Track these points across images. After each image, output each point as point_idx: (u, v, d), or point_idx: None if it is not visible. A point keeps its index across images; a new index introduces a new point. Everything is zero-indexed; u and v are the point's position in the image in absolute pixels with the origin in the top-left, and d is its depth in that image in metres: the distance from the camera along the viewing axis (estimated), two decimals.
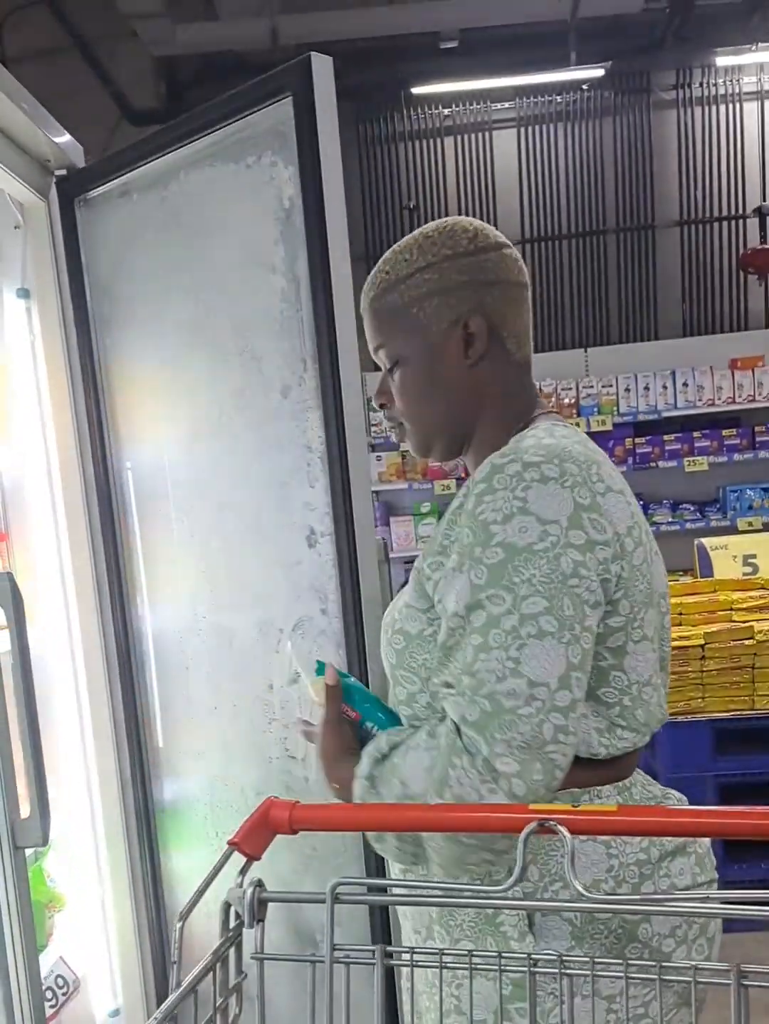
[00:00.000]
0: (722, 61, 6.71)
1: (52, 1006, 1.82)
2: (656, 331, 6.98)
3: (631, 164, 6.99)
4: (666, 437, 5.51)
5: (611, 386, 5.55)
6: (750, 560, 3.79)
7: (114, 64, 6.39)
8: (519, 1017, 1.05)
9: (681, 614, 3.42)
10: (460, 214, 7.07)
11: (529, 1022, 0.86)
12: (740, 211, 6.95)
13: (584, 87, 6.91)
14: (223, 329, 1.87)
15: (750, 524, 5.38)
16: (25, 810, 1.35)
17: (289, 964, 0.92)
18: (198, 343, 1.93)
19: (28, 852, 1.43)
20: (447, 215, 7.15)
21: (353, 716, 1.21)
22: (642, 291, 7.04)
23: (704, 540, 3.95)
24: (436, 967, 0.86)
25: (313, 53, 1.59)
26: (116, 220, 2.01)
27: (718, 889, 1.17)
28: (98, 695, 2.09)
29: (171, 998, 0.78)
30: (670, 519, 5.53)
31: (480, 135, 7.08)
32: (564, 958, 0.82)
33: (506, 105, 7.03)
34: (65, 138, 1.98)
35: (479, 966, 0.85)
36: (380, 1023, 0.87)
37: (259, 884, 0.87)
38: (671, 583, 2.43)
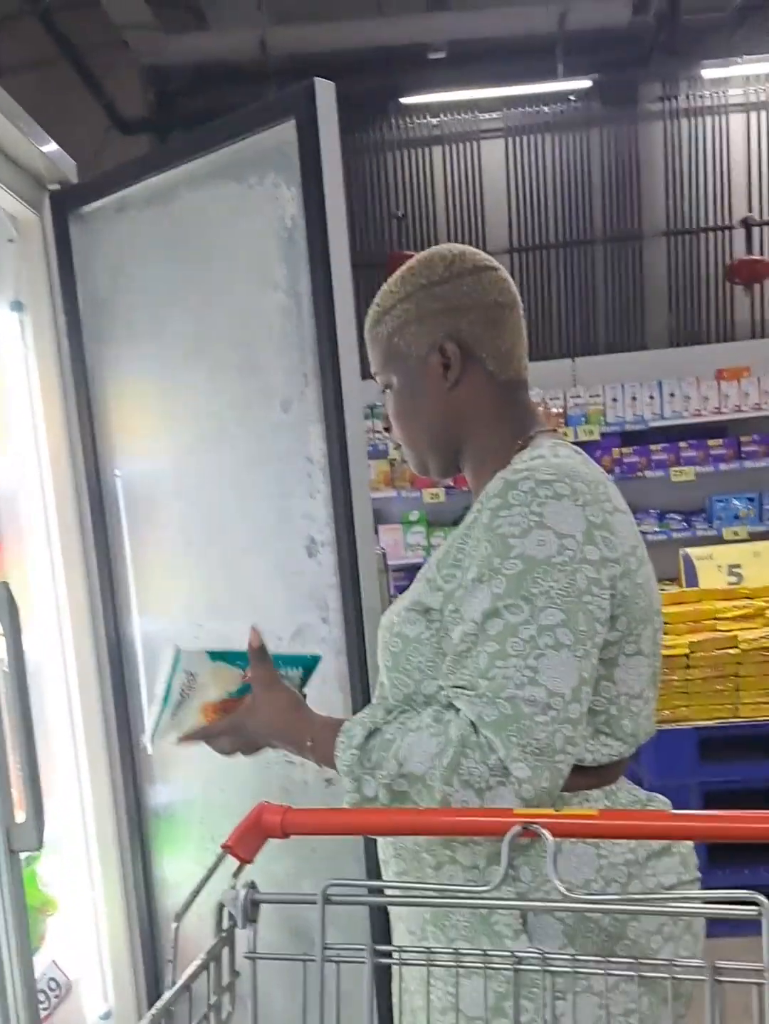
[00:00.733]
0: (708, 73, 6.78)
1: (45, 1009, 1.84)
2: (643, 341, 7.03)
3: (618, 175, 7.05)
4: (653, 447, 5.55)
5: (598, 396, 5.59)
6: (735, 570, 3.83)
7: (104, 74, 6.41)
8: (505, 1016, 1.08)
9: (666, 623, 3.44)
10: (448, 223, 7.11)
11: (513, 1019, 0.88)
12: (726, 222, 7.02)
13: (571, 98, 6.97)
14: (223, 344, 1.90)
15: (736, 534, 5.42)
16: (20, 815, 1.37)
17: (284, 964, 0.94)
18: (197, 357, 1.95)
19: (21, 856, 1.45)
20: (435, 224, 7.22)
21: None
22: (629, 301, 7.09)
23: (689, 550, 3.98)
24: (424, 965, 0.89)
25: (317, 79, 1.64)
26: (113, 235, 2.04)
27: (700, 889, 1.20)
28: (90, 702, 2.11)
29: (167, 995, 0.81)
30: (656, 529, 5.57)
31: (468, 145, 7.13)
32: (548, 956, 0.85)
33: (494, 115, 7.08)
34: (58, 151, 2.00)
35: (466, 964, 0.88)
36: (371, 1021, 0.90)
37: (251, 886, 0.90)
38: None
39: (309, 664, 1.33)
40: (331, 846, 1.87)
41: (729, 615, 3.49)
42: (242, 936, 0.91)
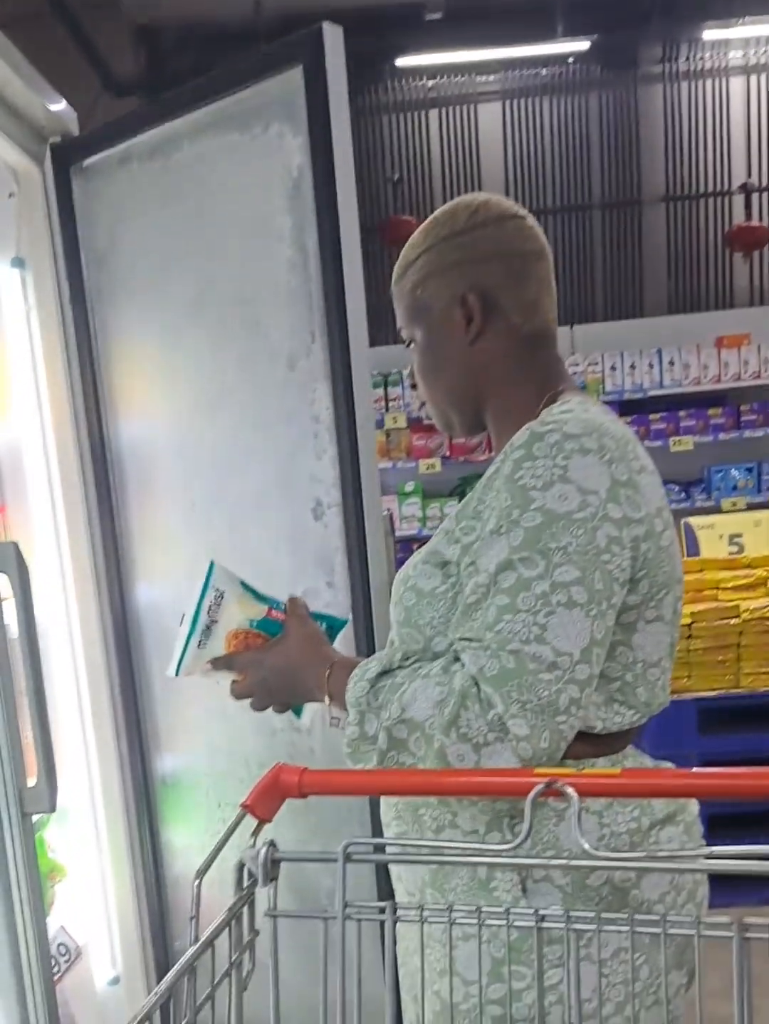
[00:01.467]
0: (709, 35, 6.69)
1: (55, 973, 1.85)
2: (641, 308, 6.98)
3: (617, 139, 6.97)
4: (652, 416, 5.52)
5: (597, 364, 5.55)
6: (736, 539, 3.83)
7: (96, 34, 6.30)
8: (515, 979, 1.08)
9: None
10: (444, 187, 7.04)
11: (534, 980, 0.88)
12: (726, 187, 6.96)
13: (570, 60, 6.88)
14: (227, 300, 1.86)
15: (734, 504, 5.41)
16: (32, 779, 1.37)
17: (294, 931, 0.94)
18: (200, 314, 1.91)
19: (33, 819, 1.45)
20: (431, 188, 7.13)
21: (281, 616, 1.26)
22: (628, 268, 7.04)
23: (690, 519, 3.98)
24: (445, 923, 0.89)
25: (325, 23, 1.60)
26: (114, 189, 1.99)
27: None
28: (96, 666, 2.10)
29: (190, 951, 0.81)
30: None
31: (465, 108, 7.05)
32: (571, 914, 0.85)
33: (491, 78, 6.99)
34: (61, 105, 1.96)
35: (488, 922, 0.88)
36: (389, 978, 0.90)
37: (272, 844, 0.90)
38: None
39: (337, 624, 1.33)
40: (335, 814, 1.87)
41: (730, 585, 3.49)
42: (261, 895, 0.91)
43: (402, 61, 6.65)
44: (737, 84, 6.91)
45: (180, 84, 1.83)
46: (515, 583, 1.01)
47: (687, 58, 6.89)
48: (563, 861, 1.06)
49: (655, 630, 1.14)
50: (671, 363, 5.54)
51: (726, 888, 1.20)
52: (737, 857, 0.76)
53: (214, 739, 2.04)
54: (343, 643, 1.79)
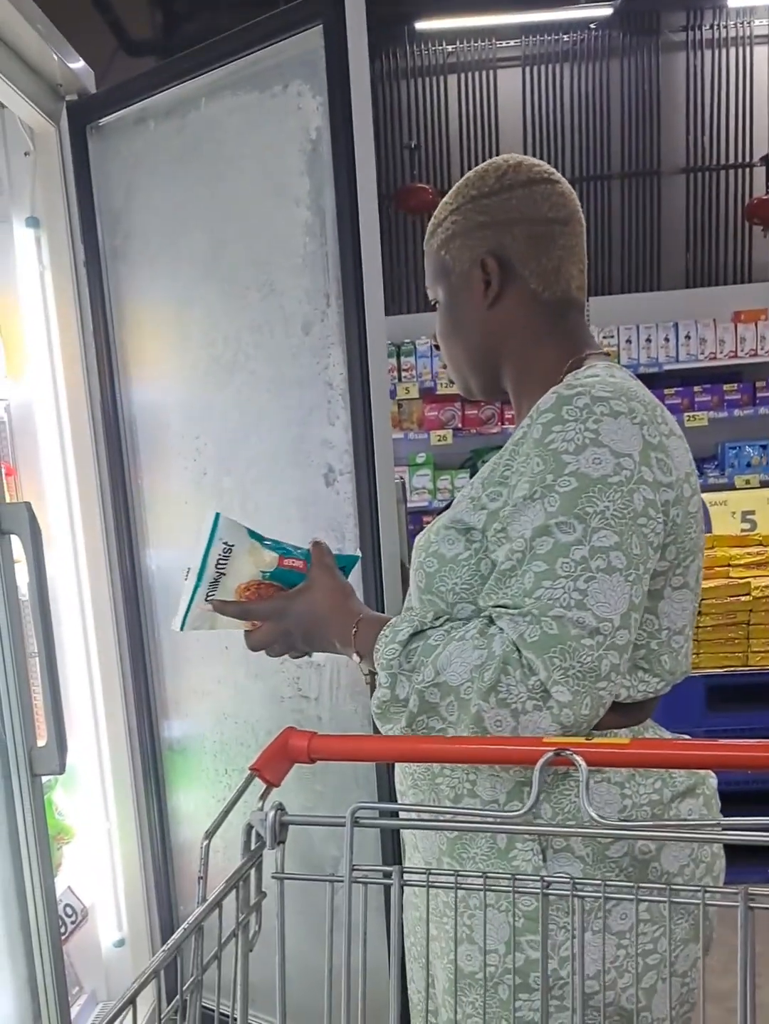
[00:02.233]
0: (734, 2, 6.56)
1: (61, 934, 1.87)
2: (659, 281, 6.91)
3: (638, 108, 6.87)
4: (667, 391, 5.46)
5: (612, 337, 5.51)
6: (749, 516, 3.80)
7: None
8: (530, 949, 1.08)
9: None
10: (461, 154, 6.97)
11: (541, 949, 0.89)
12: (748, 159, 6.86)
13: (592, 26, 6.77)
14: (241, 263, 1.85)
15: (747, 481, 5.36)
16: (42, 739, 1.38)
17: (298, 897, 0.94)
18: (213, 276, 1.90)
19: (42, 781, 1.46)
20: (448, 155, 7.06)
21: (301, 565, 1.22)
22: (646, 240, 6.96)
23: (703, 496, 3.94)
24: (451, 888, 0.89)
25: None
26: (130, 148, 1.97)
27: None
28: (105, 630, 2.10)
29: (197, 911, 0.81)
30: None
31: (484, 73, 6.95)
32: (577, 882, 0.85)
33: (511, 43, 6.89)
34: (79, 64, 1.94)
35: (495, 888, 0.88)
36: (395, 942, 0.90)
37: (280, 807, 0.90)
38: None
39: (351, 562, 1.30)
40: (338, 783, 1.88)
41: (742, 562, 3.47)
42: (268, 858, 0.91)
43: (421, 25, 6.55)
44: (761, 53, 6.79)
45: (196, 44, 1.80)
46: (552, 548, 0.99)
47: (711, 26, 6.77)
48: (570, 829, 1.06)
49: (681, 597, 1.13)
50: (687, 337, 5.49)
51: (739, 864, 1.20)
52: (750, 828, 0.76)
53: (222, 705, 2.04)
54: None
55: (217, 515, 1.16)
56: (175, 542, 2.10)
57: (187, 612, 1.18)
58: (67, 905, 1.99)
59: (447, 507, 1.27)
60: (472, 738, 1.01)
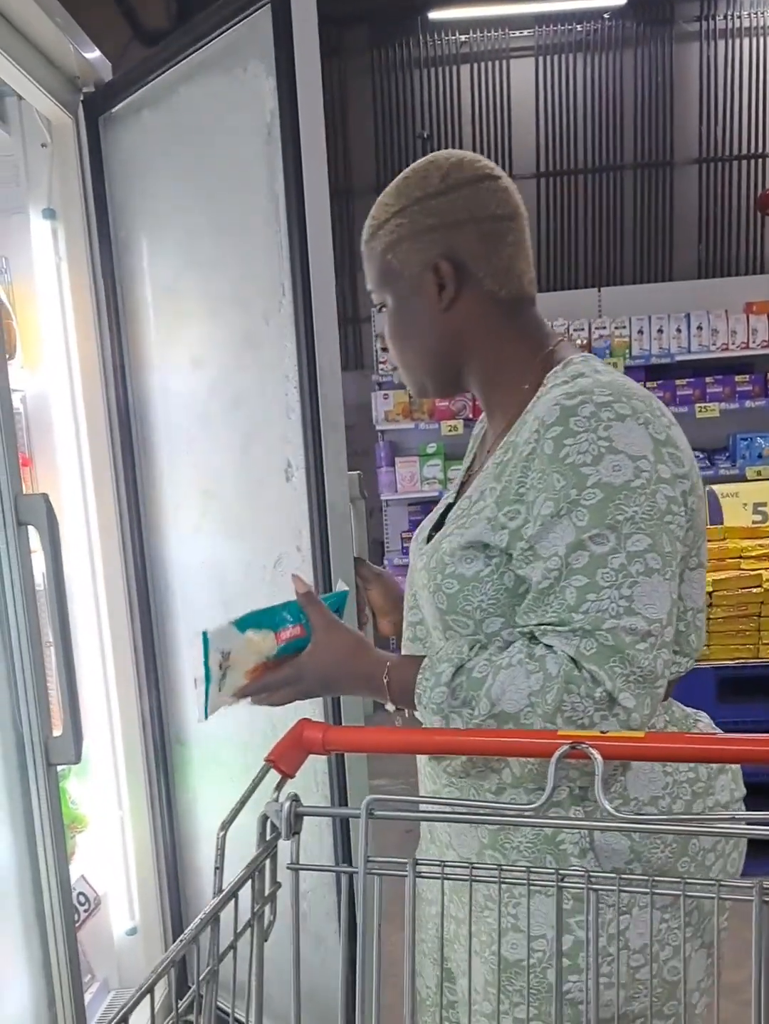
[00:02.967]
0: None
1: (74, 922, 1.89)
2: (671, 272, 6.89)
3: (651, 98, 6.84)
4: (678, 382, 5.45)
5: (624, 327, 5.48)
6: (760, 508, 3.78)
7: None
8: (578, 929, 1.07)
9: None
10: (474, 144, 6.95)
11: (556, 941, 0.89)
12: (761, 150, 6.82)
13: (605, 16, 6.74)
14: (217, 253, 1.84)
15: (759, 473, 5.33)
16: (58, 729, 1.39)
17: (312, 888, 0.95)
18: (192, 267, 1.90)
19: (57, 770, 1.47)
20: (461, 146, 7.03)
21: (299, 630, 1.18)
22: (658, 230, 6.94)
23: (715, 487, 3.93)
24: (466, 879, 0.90)
25: None
26: (130, 138, 1.98)
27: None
28: (119, 620, 2.11)
29: (214, 901, 0.82)
30: None
31: (497, 63, 6.92)
32: (592, 874, 0.85)
33: (525, 33, 6.86)
34: (95, 54, 1.93)
35: (507, 880, 0.88)
36: (410, 933, 0.91)
37: (295, 798, 0.91)
38: None
39: (341, 601, 1.29)
40: (301, 785, 1.88)
41: (753, 553, 3.45)
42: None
43: (434, 15, 6.52)
44: None
45: None
46: (590, 561, 1.00)
47: (725, 16, 6.73)
48: (582, 822, 1.07)
49: (697, 576, 1.16)
50: (699, 328, 5.46)
51: (758, 855, 1.21)
52: (760, 823, 0.77)
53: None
54: None
55: (205, 636, 1.12)
56: (183, 532, 2.10)
57: (206, 707, 1.15)
58: (80, 893, 2.01)
59: (440, 515, 1.27)
60: (488, 731, 1.02)
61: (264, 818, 0.91)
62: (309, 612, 1.19)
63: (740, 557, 3.45)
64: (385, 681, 1.14)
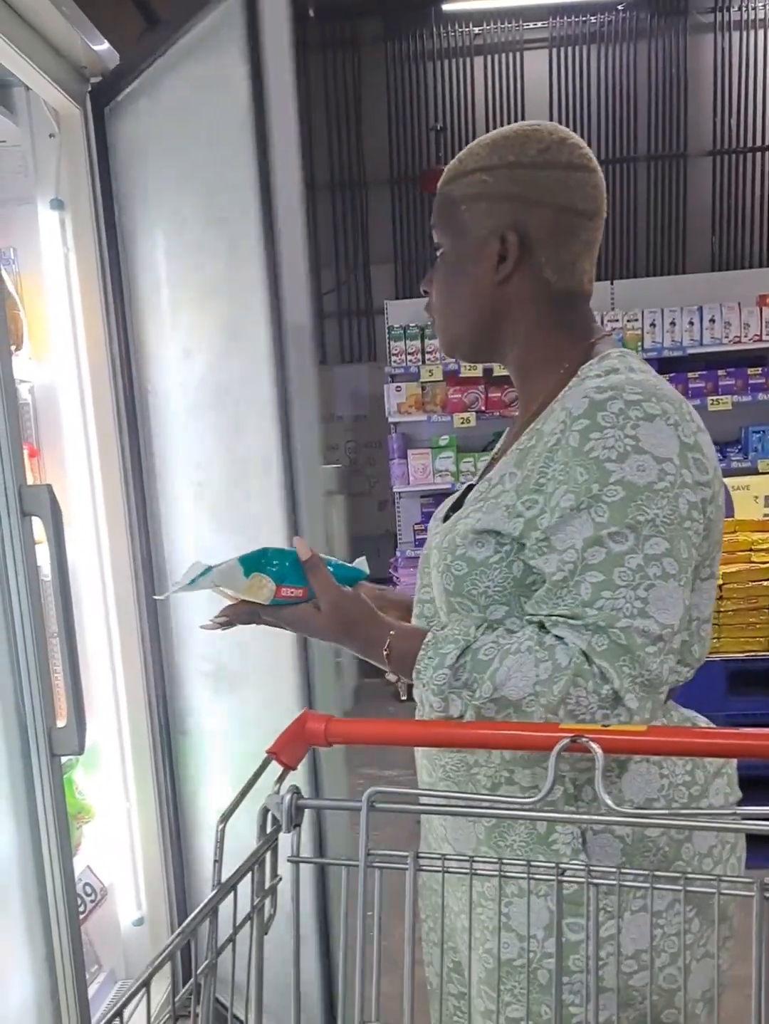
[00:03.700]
0: None
1: (81, 912, 1.89)
2: (684, 264, 6.86)
3: (665, 90, 6.81)
4: (690, 374, 5.42)
5: (637, 320, 5.46)
6: None
7: None
8: (571, 932, 1.07)
9: None
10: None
11: (556, 936, 0.89)
12: None
13: (619, 8, 6.71)
14: (201, 250, 1.83)
15: None
16: (62, 720, 1.39)
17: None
18: (177, 257, 1.90)
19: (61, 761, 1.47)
20: (474, 138, 6.95)
21: (301, 593, 1.14)
22: (671, 223, 6.91)
23: (726, 480, 3.91)
24: (467, 873, 0.89)
25: None
26: (131, 127, 1.98)
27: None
28: (126, 610, 2.11)
29: (212, 894, 0.82)
30: None
31: (511, 55, 6.90)
32: (593, 869, 0.85)
33: (538, 25, 6.83)
34: (103, 46, 1.93)
35: (509, 875, 0.88)
36: (410, 927, 0.90)
37: (296, 791, 0.90)
38: None
39: (354, 578, 1.24)
40: None
41: (764, 546, 3.44)
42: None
43: (448, 6, 6.50)
44: None
45: None
46: (606, 559, 0.99)
47: (740, 7, 6.69)
48: (581, 816, 1.06)
49: (708, 587, 1.14)
50: (712, 321, 5.44)
51: (759, 850, 1.20)
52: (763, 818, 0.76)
53: (240, 694, 2.04)
54: None
55: (208, 569, 1.09)
56: (188, 523, 2.10)
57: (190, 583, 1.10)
58: (86, 884, 2.01)
59: (460, 495, 1.26)
60: (489, 723, 1.01)
61: (265, 811, 0.90)
62: (312, 578, 1.15)
63: (750, 550, 3.44)
64: (386, 653, 1.11)
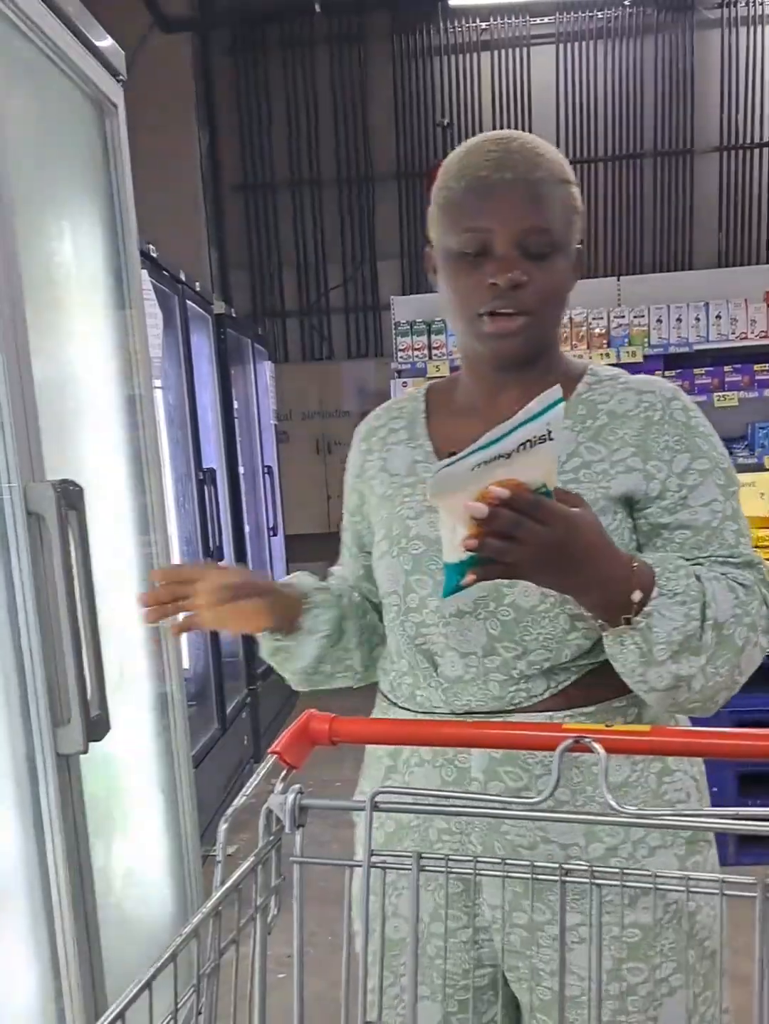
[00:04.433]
0: None
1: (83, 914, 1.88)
2: (691, 260, 6.84)
3: (672, 85, 6.79)
4: (697, 371, 5.41)
5: (643, 316, 5.45)
6: None
7: None
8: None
9: None
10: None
11: (559, 930, 0.89)
12: None
13: (626, 3, 6.68)
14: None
15: None
16: (70, 716, 1.39)
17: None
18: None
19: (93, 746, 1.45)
20: (481, 133, 6.94)
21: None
22: (678, 219, 6.89)
23: None
24: (471, 874, 0.89)
25: None
26: None
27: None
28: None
29: (216, 894, 0.82)
30: None
31: (518, 51, 6.88)
32: (595, 870, 0.85)
33: (545, 20, 6.81)
34: (107, 42, 1.92)
35: (513, 874, 0.88)
36: (414, 928, 0.91)
37: (300, 791, 0.90)
38: None
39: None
40: None
41: None
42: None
43: (454, 1, 6.48)
44: None
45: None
46: (734, 513, 1.18)
47: (746, 3, 6.66)
48: (581, 816, 1.07)
49: None
50: (718, 317, 5.42)
51: (755, 847, 1.21)
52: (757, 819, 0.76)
53: None
54: None
55: (559, 399, 0.90)
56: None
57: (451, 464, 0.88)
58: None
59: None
60: (495, 723, 1.02)
61: (268, 811, 0.91)
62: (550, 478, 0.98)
63: (756, 547, 3.43)
64: (635, 565, 1.04)
